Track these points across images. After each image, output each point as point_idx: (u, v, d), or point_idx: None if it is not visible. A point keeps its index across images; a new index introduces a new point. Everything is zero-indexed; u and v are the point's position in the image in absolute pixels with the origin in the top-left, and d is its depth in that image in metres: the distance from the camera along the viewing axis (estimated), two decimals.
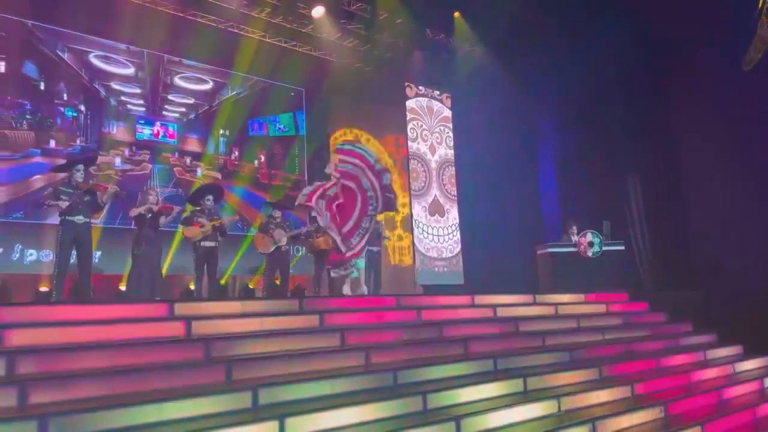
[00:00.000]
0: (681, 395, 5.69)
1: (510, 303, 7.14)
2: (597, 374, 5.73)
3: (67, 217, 6.10)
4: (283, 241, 8.10)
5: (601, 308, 7.78)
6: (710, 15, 10.23)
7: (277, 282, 8.46)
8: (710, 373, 6.53)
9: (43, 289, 8.50)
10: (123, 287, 8.71)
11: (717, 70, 10.41)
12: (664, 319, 8.03)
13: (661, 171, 11.35)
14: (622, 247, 9.87)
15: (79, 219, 6.14)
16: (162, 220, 7.02)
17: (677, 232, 11.07)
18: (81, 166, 6.34)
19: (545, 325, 6.70)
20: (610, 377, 5.78)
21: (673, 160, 11.42)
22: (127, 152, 10.15)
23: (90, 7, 9.72)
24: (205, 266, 7.41)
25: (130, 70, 10.36)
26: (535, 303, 7.38)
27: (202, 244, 7.32)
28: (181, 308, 4.94)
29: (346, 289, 7.14)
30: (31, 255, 8.94)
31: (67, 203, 6.05)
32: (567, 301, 7.65)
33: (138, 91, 10.43)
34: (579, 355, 6.07)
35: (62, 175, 6.59)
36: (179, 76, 10.96)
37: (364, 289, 7.30)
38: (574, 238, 9.64)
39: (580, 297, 7.85)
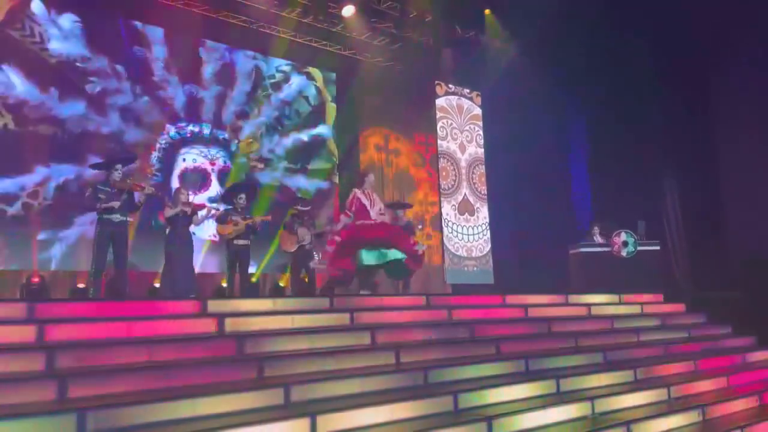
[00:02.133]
0: (720, 399, 5.54)
1: (542, 303, 7.06)
2: (632, 376, 5.62)
3: (104, 215, 6.24)
4: (307, 239, 8.15)
5: (635, 309, 7.63)
6: (751, 12, 9.95)
7: (306, 280, 8.51)
8: (750, 377, 6.35)
9: (81, 285, 8.71)
10: (157, 284, 8.87)
11: (757, 68, 10.13)
12: (702, 320, 7.84)
13: (699, 169, 11.07)
14: (658, 247, 9.68)
15: (116, 217, 6.27)
16: (195, 219, 7.12)
17: (715, 232, 10.80)
18: (120, 166, 6.47)
19: (578, 326, 6.60)
20: (645, 379, 5.67)
21: (711, 158, 11.13)
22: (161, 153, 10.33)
23: (123, 9, 9.94)
24: (237, 264, 7.50)
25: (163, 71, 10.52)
26: (567, 303, 7.27)
27: (235, 242, 7.41)
28: (214, 305, 5.00)
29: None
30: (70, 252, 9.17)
31: (117, 203, 6.19)
32: (600, 301, 7.52)
33: (171, 90, 10.58)
34: (613, 356, 5.96)
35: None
36: (212, 75, 11.09)
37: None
38: (597, 239, 9.63)
39: (614, 297, 7.71)
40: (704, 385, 5.82)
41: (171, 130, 10.49)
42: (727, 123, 10.89)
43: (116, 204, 6.19)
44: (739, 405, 5.60)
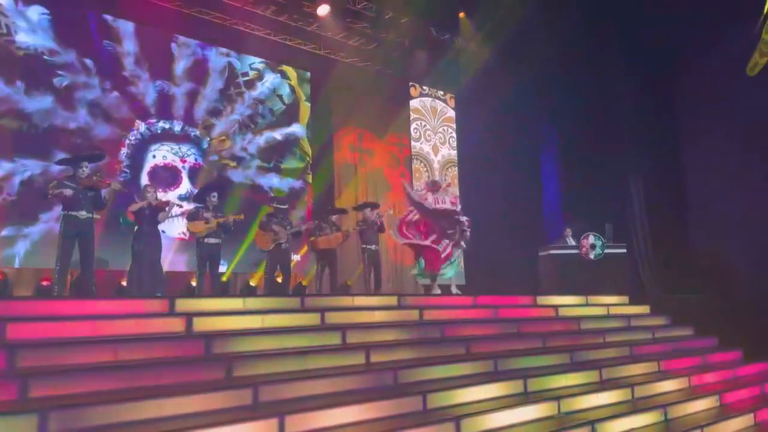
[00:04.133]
0: (681, 399, 5.68)
1: (511, 304, 7.14)
2: (597, 377, 5.72)
3: (70, 212, 6.10)
4: (283, 238, 8.11)
5: (602, 311, 7.77)
6: (715, 20, 10.22)
7: (279, 280, 8.47)
8: (710, 378, 6.52)
9: (45, 283, 8.51)
10: (124, 283, 8.72)
11: (721, 75, 10.39)
12: (665, 322, 8.02)
13: (664, 174, 11.32)
14: (625, 250, 9.88)
15: (82, 214, 6.13)
16: (161, 215, 7.02)
17: (679, 236, 11.05)
18: (86, 163, 6.33)
19: (546, 327, 6.70)
20: (610, 380, 5.78)
21: (676, 164, 11.39)
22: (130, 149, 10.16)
23: (93, 2, 9.76)
24: (208, 263, 7.43)
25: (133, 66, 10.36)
26: (536, 305, 7.37)
27: (206, 240, 7.35)
28: (182, 304, 4.94)
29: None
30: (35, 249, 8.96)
31: (71, 191, 6.04)
32: (568, 303, 7.63)
33: (142, 86, 10.42)
34: (580, 357, 6.07)
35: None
36: (184, 71, 10.94)
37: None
38: (569, 241, 9.79)
39: (582, 299, 7.84)
40: (667, 386, 5.96)
41: (141, 126, 10.33)
42: (692, 131, 11.16)
43: (68, 192, 6.03)
44: (699, 405, 5.74)
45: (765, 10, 9.00)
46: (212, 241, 7.39)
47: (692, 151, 11.18)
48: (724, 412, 5.71)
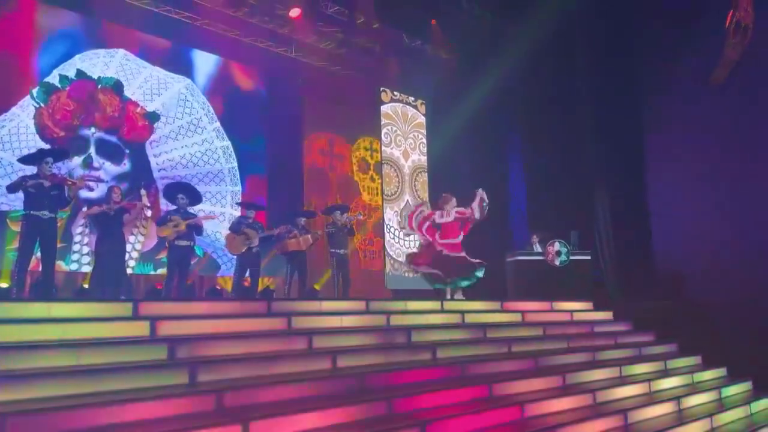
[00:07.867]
0: (641, 404, 5.81)
1: (478, 309, 7.20)
2: (561, 382, 5.81)
3: (31, 212, 5.95)
4: (255, 242, 8.04)
5: (566, 316, 7.89)
6: (679, 33, 10.52)
7: (246, 284, 8.38)
8: (670, 383, 6.68)
9: (3, 285, 8.27)
10: (86, 285, 8.53)
11: (684, 87, 10.69)
12: (627, 328, 8.18)
13: (628, 184, 11.56)
14: (589, 257, 10.07)
15: (44, 214, 5.98)
16: (126, 217, 6.89)
17: (642, 244, 11.30)
18: (50, 159, 6.17)
19: (512, 332, 6.78)
20: (573, 385, 5.87)
21: (640, 174, 11.65)
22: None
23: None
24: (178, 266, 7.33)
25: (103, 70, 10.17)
26: (502, 310, 7.45)
27: (177, 242, 7.21)
28: (146, 308, 4.86)
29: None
30: None
31: (47, 183, 5.89)
32: (533, 308, 7.73)
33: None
34: (544, 362, 6.15)
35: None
36: (151, 71, 10.78)
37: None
38: (537, 248, 9.94)
39: (546, 305, 7.95)
40: (628, 391, 6.08)
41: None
42: (656, 141, 11.43)
43: (46, 182, 5.89)
44: (659, 410, 5.87)
45: (727, 24, 9.31)
46: (183, 243, 7.27)
47: (655, 161, 11.45)
48: (682, 417, 5.86)
